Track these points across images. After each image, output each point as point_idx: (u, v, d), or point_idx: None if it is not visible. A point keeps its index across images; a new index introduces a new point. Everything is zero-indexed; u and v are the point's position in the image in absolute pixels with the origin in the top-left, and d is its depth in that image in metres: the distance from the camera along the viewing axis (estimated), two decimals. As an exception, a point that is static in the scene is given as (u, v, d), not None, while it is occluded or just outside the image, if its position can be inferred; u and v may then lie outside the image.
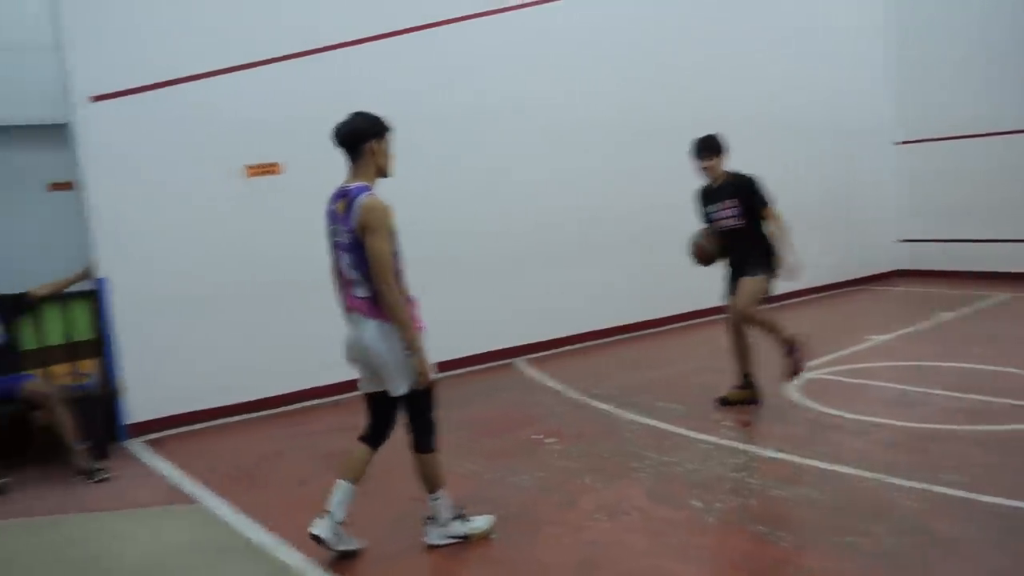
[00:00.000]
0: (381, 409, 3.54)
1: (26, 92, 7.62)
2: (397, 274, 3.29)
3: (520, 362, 7.28)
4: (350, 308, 3.41)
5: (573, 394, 6.09)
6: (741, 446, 4.69)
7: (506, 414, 5.74)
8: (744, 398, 5.44)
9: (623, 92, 8.07)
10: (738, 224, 5.26)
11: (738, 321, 5.32)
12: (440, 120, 6.86)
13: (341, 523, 3.43)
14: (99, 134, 5.52)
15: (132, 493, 4.58)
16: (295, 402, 6.21)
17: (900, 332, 7.58)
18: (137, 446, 5.46)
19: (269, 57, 6.11)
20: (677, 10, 8.58)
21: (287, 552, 3.58)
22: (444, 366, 7.09)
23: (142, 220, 5.67)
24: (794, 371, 5.31)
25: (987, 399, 5.25)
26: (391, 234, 3.27)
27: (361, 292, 3.32)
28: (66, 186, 6.54)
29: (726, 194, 5.25)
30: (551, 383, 6.48)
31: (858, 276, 10.77)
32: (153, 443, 5.50)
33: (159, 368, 5.69)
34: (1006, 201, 10.13)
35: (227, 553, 3.68)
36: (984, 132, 10.25)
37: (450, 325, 6.93)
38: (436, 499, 3.53)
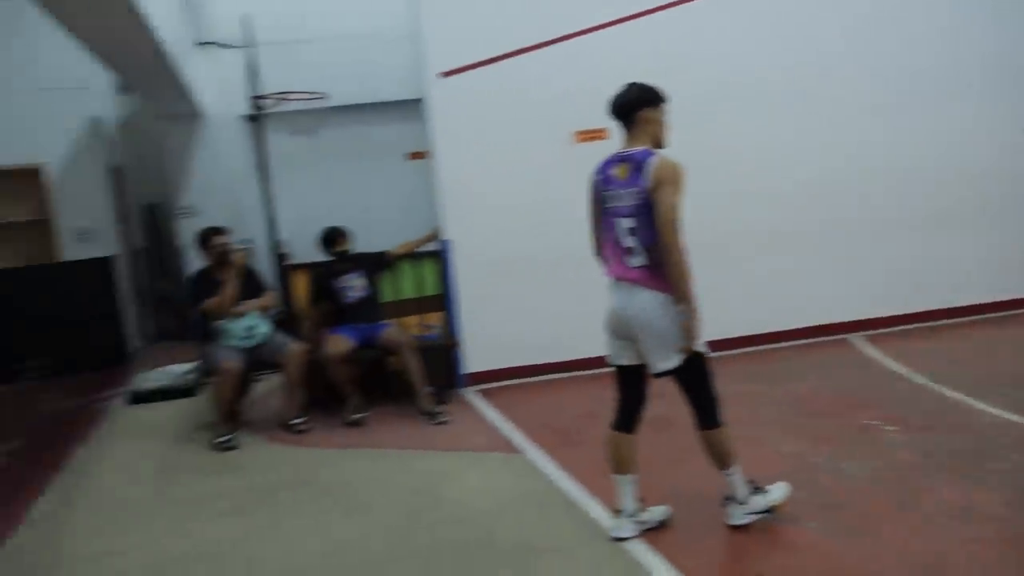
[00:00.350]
0: (633, 385, 3.42)
1: (387, 73, 8.67)
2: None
3: (856, 338, 6.67)
4: (621, 278, 3.31)
5: (919, 379, 5.45)
6: None
7: (838, 394, 5.32)
8: None
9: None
10: None
11: None
12: (768, 81, 6.49)
13: (636, 512, 3.42)
14: (446, 107, 6.07)
15: (465, 437, 5.05)
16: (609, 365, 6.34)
17: None
18: (472, 394, 5.99)
19: (599, 23, 6.22)
20: None
21: (600, 511, 3.68)
22: (768, 338, 6.86)
23: (481, 186, 6.13)
24: None
25: None
26: (681, 196, 3.17)
27: (637, 261, 3.23)
28: (421, 155, 7.32)
29: None
30: (893, 364, 5.86)
31: None
32: (485, 393, 6.00)
33: (492, 324, 6.16)
34: None
35: (543, 504, 3.90)
36: None
37: (777, 296, 6.63)
38: (731, 475, 3.36)
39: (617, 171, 3.30)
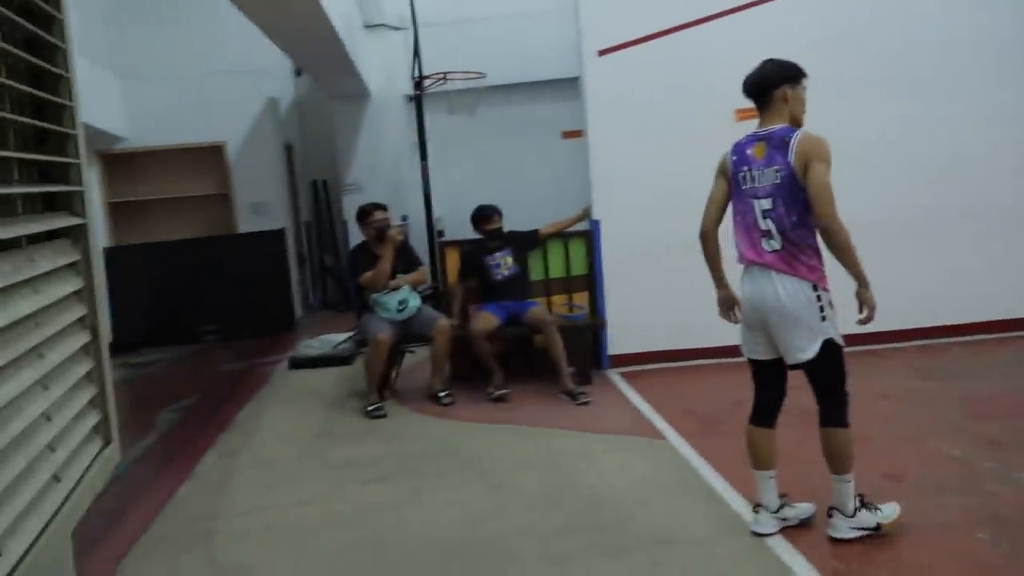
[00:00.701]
0: (771, 379, 3.29)
1: (544, 53, 8.73)
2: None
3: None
4: (755, 262, 3.16)
5: (1110, 383, 4.95)
6: None
7: (1014, 396, 4.92)
8: None
9: None
10: None
11: None
12: (945, 54, 6.02)
13: (779, 508, 3.30)
14: (602, 85, 6.04)
15: (606, 419, 5.06)
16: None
17: None
18: (615, 376, 5.99)
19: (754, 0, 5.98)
20: None
21: (741, 503, 3.60)
22: (944, 331, 6.38)
23: (632, 167, 6.07)
24: None
25: None
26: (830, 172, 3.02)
27: (773, 244, 3.10)
28: (576, 134, 7.33)
29: None
30: (1081, 365, 5.35)
31: None
32: (629, 375, 5.98)
33: (638, 306, 6.12)
34: None
35: (680, 492, 3.86)
36: None
37: (966, 283, 6.15)
38: (843, 482, 3.13)
39: (754, 151, 3.17)
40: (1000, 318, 6.23)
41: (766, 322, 3.18)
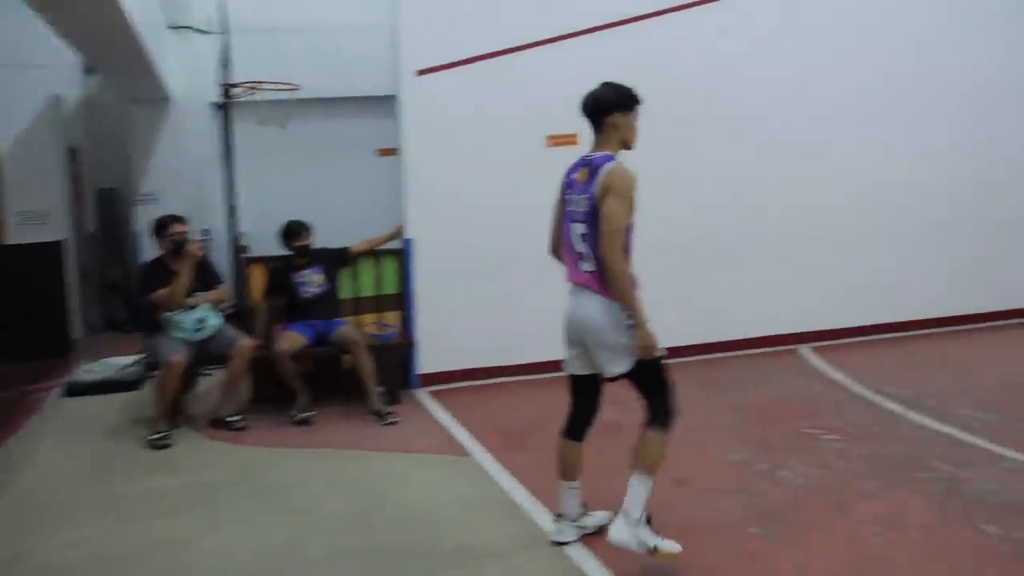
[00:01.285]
0: (586, 394, 3.43)
1: (362, 69, 8.61)
2: (626, 249, 3.16)
3: (805, 349, 6.89)
4: (575, 282, 3.32)
5: (860, 389, 5.66)
6: (1060, 472, 4.07)
7: (784, 403, 5.50)
8: None
9: (964, 59, 7.30)
10: None
11: None
12: (741, 93, 6.66)
13: (578, 517, 3.48)
14: (420, 105, 6.10)
15: (414, 439, 5.09)
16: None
17: None
18: (424, 395, 6.04)
19: (575, 31, 6.31)
20: None
21: (543, 516, 3.75)
22: (721, 347, 7.04)
23: (447, 186, 6.17)
24: None
25: None
26: (631, 207, 3.16)
27: (588, 266, 3.23)
28: (392, 152, 7.31)
29: None
30: (837, 375, 6.07)
31: None
32: (438, 394, 6.04)
33: (449, 325, 6.21)
34: None
35: (486, 508, 3.96)
36: None
37: (730, 306, 6.80)
38: (640, 483, 3.18)
39: (579, 175, 3.29)
40: (774, 333, 6.95)
41: (584, 339, 3.32)
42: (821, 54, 6.90)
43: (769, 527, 3.57)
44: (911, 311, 7.38)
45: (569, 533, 3.48)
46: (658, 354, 3.20)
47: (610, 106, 3.27)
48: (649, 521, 3.24)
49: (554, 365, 6.27)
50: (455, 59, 6.13)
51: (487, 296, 6.30)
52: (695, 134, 6.50)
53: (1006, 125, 7.45)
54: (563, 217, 3.40)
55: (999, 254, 7.57)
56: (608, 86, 3.33)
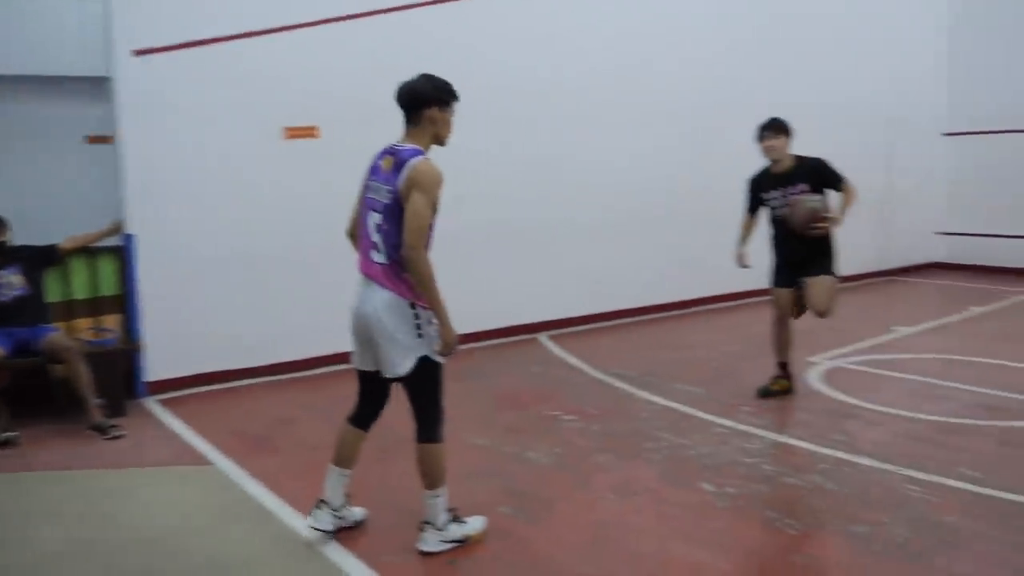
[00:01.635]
0: (374, 388, 3.37)
1: (67, 44, 7.65)
2: (426, 246, 3.11)
3: (543, 338, 7.31)
4: (366, 274, 3.22)
5: (594, 372, 6.12)
6: (757, 432, 4.68)
7: (526, 389, 5.77)
8: (785, 388, 5.38)
9: (678, 72, 8.11)
10: None
11: (784, 314, 5.27)
12: (484, 91, 6.85)
13: (340, 508, 3.41)
14: (139, 89, 5.58)
15: (145, 451, 4.68)
16: (314, 368, 6.28)
17: (928, 325, 7.51)
18: (154, 404, 5.56)
19: (312, 20, 6.12)
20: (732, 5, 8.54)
21: (295, 518, 3.64)
22: (466, 339, 7.21)
23: (175, 178, 5.72)
24: (769, 392, 5.33)
25: (1009, 395, 5.21)
26: (435, 204, 3.13)
27: (379, 257, 3.16)
28: (105, 140, 6.60)
29: (798, 179, 5.04)
30: (573, 360, 6.50)
31: (894, 267, 10.64)
32: (170, 402, 5.60)
33: (181, 327, 5.76)
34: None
35: (235, 516, 3.76)
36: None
37: (475, 297, 6.98)
38: (436, 496, 3.26)
39: (384, 162, 3.19)
40: (516, 323, 7.29)
41: (370, 335, 3.21)
42: (559, 56, 7.34)
43: (518, 505, 3.74)
44: (633, 299, 8.13)
45: (327, 521, 3.38)
46: (436, 358, 3.19)
47: (428, 99, 3.19)
48: (454, 516, 3.33)
49: (294, 365, 6.20)
50: (181, 40, 5.69)
51: (224, 295, 5.94)
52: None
53: (715, 132, 8.41)
54: (364, 203, 3.27)
55: (706, 246, 8.55)
56: (427, 78, 3.24)
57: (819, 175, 5.05)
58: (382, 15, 6.38)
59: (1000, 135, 10.37)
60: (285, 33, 6.02)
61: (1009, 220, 10.38)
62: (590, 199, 7.67)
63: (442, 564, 3.23)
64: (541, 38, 7.23)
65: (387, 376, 3.23)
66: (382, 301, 3.14)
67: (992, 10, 10.40)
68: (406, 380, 3.20)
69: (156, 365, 5.72)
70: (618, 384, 5.77)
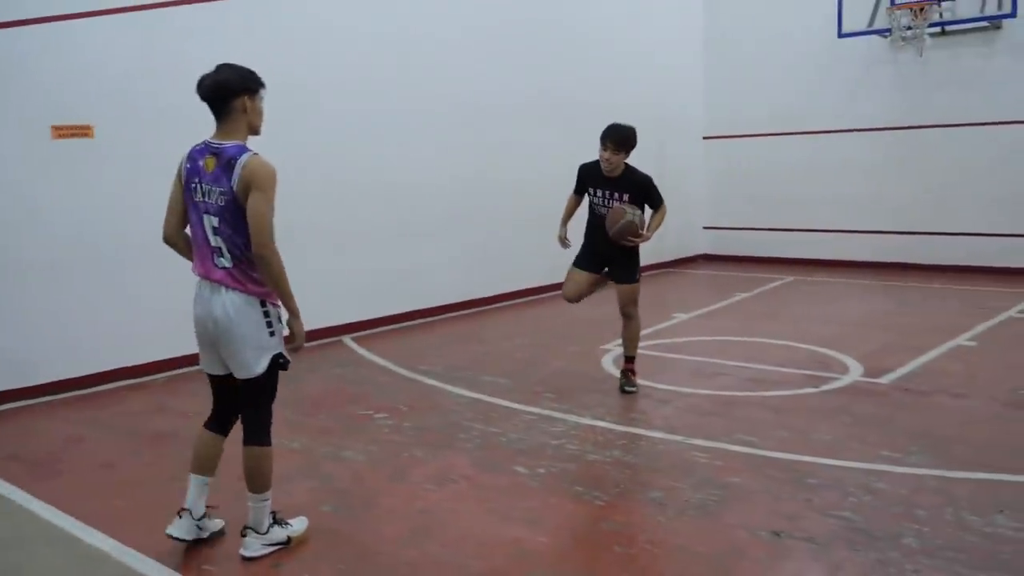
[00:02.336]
0: (227, 392, 3.29)
1: None
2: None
3: (348, 339, 7.26)
4: (206, 277, 3.12)
5: (401, 370, 6.17)
6: (561, 415, 4.97)
7: (336, 391, 5.72)
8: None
9: (466, 77, 8.30)
10: None
11: (571, 295, 5.45)
12: (269, 90, 6.64)
13: (201, 517, 3.28)
14: None
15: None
16: (98, 384, 5.82)
17: (702, 311, 8.29)
18: (-91, 434, 4.92)
19: (93, 9, 5.71)
20: (520, 13, 8.92)
21: (99, 537, 3.41)
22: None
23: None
24: (632, 384, 5.39)
25: (773, 368, 5.91)
26: (272, 200, 3.05)
27: (223, 262, 3.08)
28: None
29: (624, 188, 5.22)
30: (379, 360, 6.52)
31: (667, 259, 11.58)
32: (-71, 430, 4.98)
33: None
34: (792, 194, 11.31)
35: (28, 543, 3.45)
36: (774, 132, 11.38)
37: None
38: (264, 500, 3.21)
39: (205, 163, 3.05)
40: (312, 328, 7.14)
41: (217, 338, 3.10)
42: (350, 64, 7.31)
43: (339, 503, 3.74)
44: (435, 298, 8.27)
45: (186, 529, 3.24)
46: (280, 360, 3.18)
47: (235, 90, 3.05)
48: (276, 521, 3.28)
49: (80, 382, 5.72)
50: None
51: (10, 305, 5.38)
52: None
53: (508, 135, 8.74)
54: (189, 207, 3.11)
55: (507, 244, 8.89)
56: (230, 67, 3.09)
57: (643, 191, 5.25)
58: (154, 9, 6.04)
59: (749, 139, 11.66)
60: (47, 24, 5.54)
61: (760, 214, 11.68)
62: (390, 201, 7.72)
63: (267, 568, 3.16)
64: (328, 40, 7.16)
65: (241, 378, 3.16)
66: (232, 303, 3.07)
67: (740, 34, 11.65)
68: (247, 382, 3.16)
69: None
70: (426, 380, 5.87)
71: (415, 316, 8.06)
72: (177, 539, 3.24)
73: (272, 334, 3.14)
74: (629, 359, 5.45)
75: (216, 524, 3.40)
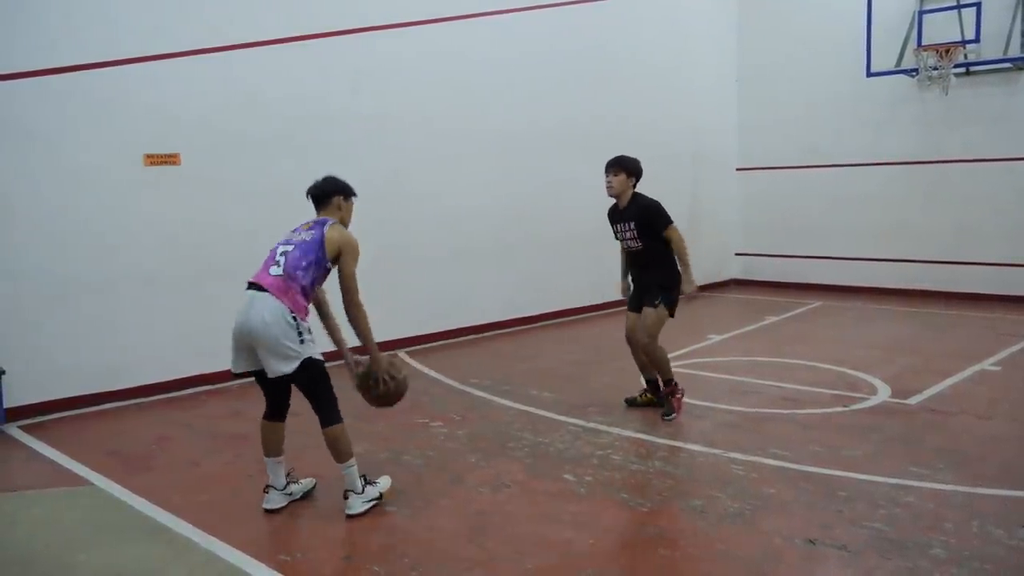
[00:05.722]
0: (270, 385, 3.69)
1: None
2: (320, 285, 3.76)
3: (403, 353, 7.38)
4: (256, 283, 3.56)
5: (453, 383, 6.27)
6: (605, 428, 5.02)
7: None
8: (649, 401, 5.44)
9: (514, 111, 8.46)
10: (638, 247, 5.18)
11: (630, 335, 5.32)
12: (338, 123, 6.89)
13: (285, 486, 3.76)
14: (5, 112, 5.25)
15: (16, 476, 4.38)
16: (183, 388, 6.04)
17: (735, 332, 8.26)
18: (16, 431, 5.15)
19: (180, 51, 5.99)
20: (568, 51, 9.05)
21: (188, 529, 3.56)
22: (328, 356, 7.14)
23: (35, 204, 5.40)
24: (671, 411, 5.18)
25: (803, 388, 5.88)
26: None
27: (276, 271, 3.55)
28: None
29: (630, 216, 5.13)
30: (433, 373, 6.63)
31: (701, 284, 11.49)
32: (33, 428, 5.22)
33: (45, 351, 5.42)
34: (820, 223, 11.23)
35: (124, 531, 3.61)
36: (803, 164, 11.33)
37: (338, 319, 6.97)
38: (350, 467, 3.66)
39: (303, 226, 3.74)
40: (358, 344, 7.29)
41: (251, 340, 3.51)
42: (404, 97, 7.50)
43: (400, 503, 3.83)
44: (484, 316, 8.37)
45: (277, 500, 3.72)
46: (315, 355, 3.61)
47: (334, 191, 3.80)
48: (368, 481, 3.74)
49: (160, 387, 5.94)
50: (37, 67, 5.38)
51: (88, 318, 5.62)
52: (292, 162, 6.35)
53: (568, 163, 8.85)
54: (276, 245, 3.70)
55: (554, 266, 8.99)
56: (333, 179, 3.84)
57: (647, 215, 5.08)
58: (233, 50, 6.29)
59: (781, 171, 11.61)
60: (146, 63, 5.85)
61: (790, 242, 11.61)
62: (445, 226, 7.88)
63: (338, 559, 3.27)
64: (394, 79, 7.37)
65: (270, 376, 3.55)
66: (269, 310, 3.47)
67: (773, 72, 11.64)
68: (297, 380, 3.57)
69: (19, 390, 5.32)
70: (477, 392, 5.96)
71: (466, 332, 8.17)
72: (271, 511, 3.67)
73: (303, 342, 3.53)
74: (667, 383, 5.27)
75: (305, 485, 3.87)
